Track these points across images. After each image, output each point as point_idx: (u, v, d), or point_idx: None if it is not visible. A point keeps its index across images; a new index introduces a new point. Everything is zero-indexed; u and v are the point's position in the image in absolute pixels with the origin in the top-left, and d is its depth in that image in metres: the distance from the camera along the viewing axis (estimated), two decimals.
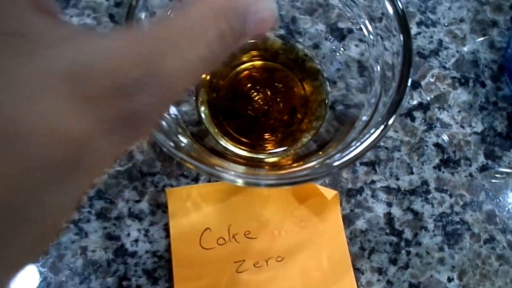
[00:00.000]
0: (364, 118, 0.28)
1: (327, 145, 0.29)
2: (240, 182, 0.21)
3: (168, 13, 0.27)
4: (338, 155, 0.23)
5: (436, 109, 0.35)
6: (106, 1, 0.37)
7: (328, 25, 0.34)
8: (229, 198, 0.33)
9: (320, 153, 0.28)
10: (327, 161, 0.23)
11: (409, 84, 0.24)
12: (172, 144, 0.22)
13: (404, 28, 0.25)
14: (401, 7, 0.26)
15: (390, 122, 0.24)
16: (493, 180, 0.34)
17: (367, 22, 0.30)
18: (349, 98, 0.33)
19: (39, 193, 0.10)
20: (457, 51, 0.37)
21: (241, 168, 0.25)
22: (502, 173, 0.35)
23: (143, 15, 0.26)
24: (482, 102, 0.36)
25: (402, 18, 0.26)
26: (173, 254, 0.31)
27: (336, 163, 0.23)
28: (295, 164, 0.25)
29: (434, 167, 0.34)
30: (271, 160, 0.31)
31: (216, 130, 0.33)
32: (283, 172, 0.24)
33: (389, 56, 0.28)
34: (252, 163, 0.30)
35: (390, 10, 0.27)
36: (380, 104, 0.28)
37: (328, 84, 0.34)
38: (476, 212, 0.33)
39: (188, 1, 0.15)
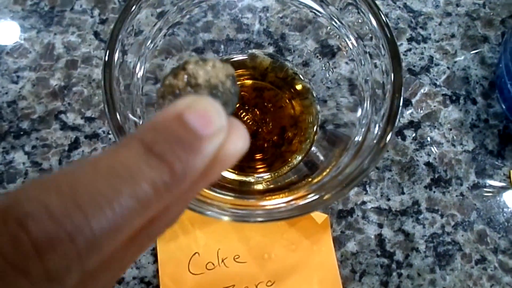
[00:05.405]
0: (357, 139, 0.28)
1: (319, 170, 0.29)
2: (225, 218, 0.21)
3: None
4: (333, 187, 0.23)
5: (427, 127, 0.35)
6: (91, 18, 0.36)
7: (317, 42, 0.33)
8: (218, 221, 0.32)
9: (310, 179, 0.27)
10: (321, 193, 0.23)
11: (399, 113, 0.23)
12: None
13: (394, 56, 0.24)
14: (390, 31, 0.25)
15: (384, 145, 0.24)
16: (484, 195, 0.34)
17: (354, 41, 0.29)
18: (339, 117, 0.33)
19: None
20: (448, 68, 0.37)
21: (229, 198, 0.25)
22: (492, 187, 0.34)
23: (127, 35, 0.25)
24: (473, 120, 0.36)
25: (392, 42, 0.26)
26: (161, 280, 0.30)
27: (327, 196, 0.22)
28: (285, 194, 0.25)
29: (425, 187, 0.34)
30: (260, 186, 0.30)
31: None
32: (273, 204, 0.23)
33: (378, 74, 0.28)
34: (240, 189, 0.29)
35: (379, 31, 0.26)
36: (372, 124, 0.27)
37: (318, 103, 0.34)
38: (468, 232, 0.33)
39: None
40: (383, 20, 0.25)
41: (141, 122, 0.26)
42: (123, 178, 0.11)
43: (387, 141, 0.24)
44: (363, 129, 0.28)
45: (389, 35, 0.25)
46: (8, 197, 0.11)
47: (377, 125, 0.26)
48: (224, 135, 0.13)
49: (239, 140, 0.14)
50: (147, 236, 0.14)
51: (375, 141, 0.25)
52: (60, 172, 0.11)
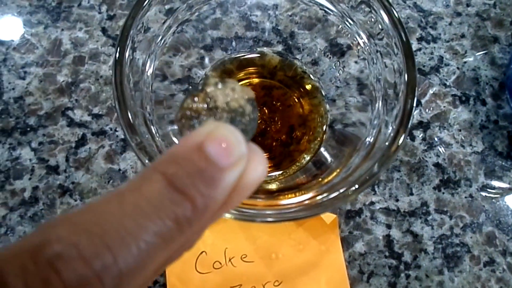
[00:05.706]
0: (368, 140, 0.28)
1: (328, 170, 0.28)
2: (232, 217, 0.20)
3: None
4: (343, 188, 0.22)
5: (436, 128, 0.35)
6: (98, 14, 0.36)
7: (327, 41, 0.33)
8: (225, 220, 0.32)
9: (319, 179, 0.27)
10: (332, 194, 0.22)
11: (413, 115, 0.23)
12: None
13: (408, 55, 0.24)
14: (404, 30, 0.25)
15: (397, 148, 0.23)
16: (493, 196, 0.34)
17: (366, 39, 0.29)
18: (348, 117, 0.33)
19: None
20: (458, 68, 0.36)
21: None
22: (501, 188, 0.34)
23: (136, 32, 0.25)
24: (483, 121, 0.35)
25: (405, 41, 0.25)
26: (168, 279, 0.30)
27: (337, 197, 0.22)
28: (294, 194, 0.24)
29: (434, 188, 0.34)
30: (269, 186, 0.30)
31: None
32: (283, 205, 0.23)
33: (389, 73, 0.28)
34: None
35: (392, 29, 0.26)
36: (383, 125, 0.27)
37: (327, 102, 0.33)
38: (476, 234, 0.33)
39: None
40: (396, 18, 0.25)
41: (150, 118, 0.26)
42: (148, 215, 0.12)
43: (399, 144, 0.23)
44: (374, 130, 0.28)
45: (403, 34, 0.25)
46: (38, 235, 0.11)
47: (389, 126, 0.26)
48: (244, 163, 0.13)
49: (259, 166, 0.14)
50: (165, 263, 0.14)
51: (386, 143, 0.25)
52: (87, 209, 0.12)
